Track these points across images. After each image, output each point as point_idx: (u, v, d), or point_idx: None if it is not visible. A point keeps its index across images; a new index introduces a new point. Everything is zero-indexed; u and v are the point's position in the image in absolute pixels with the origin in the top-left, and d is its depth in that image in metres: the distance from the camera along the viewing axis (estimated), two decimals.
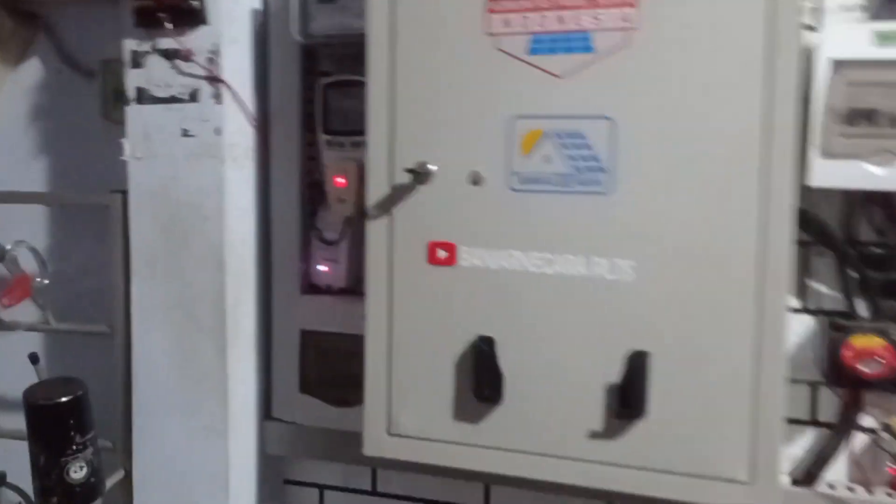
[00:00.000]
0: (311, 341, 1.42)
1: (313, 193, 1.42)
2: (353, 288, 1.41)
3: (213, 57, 1.31)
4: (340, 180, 1.32)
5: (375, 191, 1.13)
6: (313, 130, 1.39)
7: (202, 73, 1.31)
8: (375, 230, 1.13)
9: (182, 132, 1.33)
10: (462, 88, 1.08)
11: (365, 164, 1.13)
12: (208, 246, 1.34)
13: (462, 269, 1.10)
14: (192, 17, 1.30)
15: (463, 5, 1.08)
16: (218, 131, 1.32)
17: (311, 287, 1.43)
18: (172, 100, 1.33)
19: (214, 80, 1.31)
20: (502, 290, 1.09)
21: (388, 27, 1.10)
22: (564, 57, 1.04)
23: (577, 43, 1.04)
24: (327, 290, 1.42)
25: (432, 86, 1.09)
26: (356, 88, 1.30)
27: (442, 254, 1.11)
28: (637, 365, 1.03)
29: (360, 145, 1.29)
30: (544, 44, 1.05)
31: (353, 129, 1.32)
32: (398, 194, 1.12)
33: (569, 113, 1.04)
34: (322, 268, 1.42)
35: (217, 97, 1.32)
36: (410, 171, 1.08)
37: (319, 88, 1.34)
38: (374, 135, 1.12)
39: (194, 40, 1.31)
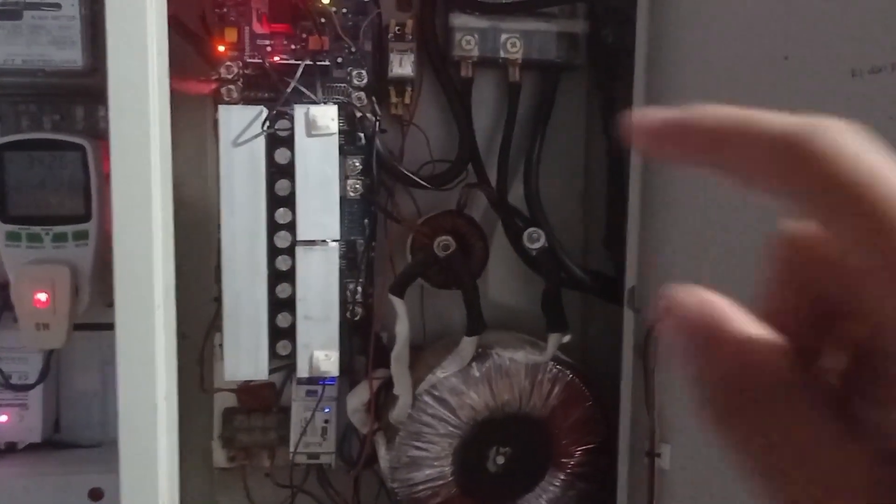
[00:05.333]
0: None
1: None
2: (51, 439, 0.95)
3: None
4: (41, 297, 0.84)
5: None
6: None
7: None
8: None
9: None
10: None
11: None
12: None
13: None
14: None
15: None
16: None
17: None
18: None
19: None
20: None
21: None
22: None
23: None
24: (10, 450, 0.94)
25: None
26: (61, 152, 0.84)
27: None
28: None
29: (67, 239, 0.85)
30: None
31: (56, 214, 0.84)
32: None
33: None
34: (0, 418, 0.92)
35: None
36: None
37: None
38: None
39: None
